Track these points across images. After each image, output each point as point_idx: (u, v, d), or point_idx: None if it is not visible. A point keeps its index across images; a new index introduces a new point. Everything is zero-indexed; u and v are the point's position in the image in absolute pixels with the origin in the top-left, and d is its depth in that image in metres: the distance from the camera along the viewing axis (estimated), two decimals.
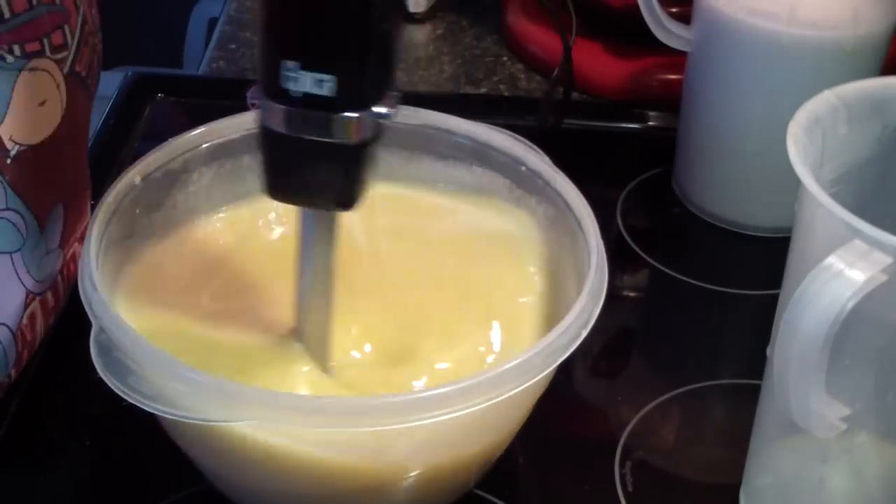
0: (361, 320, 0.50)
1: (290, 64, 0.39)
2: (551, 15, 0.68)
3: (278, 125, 0.40)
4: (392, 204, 0.54)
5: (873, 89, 0.44)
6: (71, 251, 0.52)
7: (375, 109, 0.40)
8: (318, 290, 0.46)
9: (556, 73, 0.69)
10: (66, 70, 0.48)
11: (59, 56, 0.47)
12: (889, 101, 0.44)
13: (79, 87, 0.49)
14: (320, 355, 0.47)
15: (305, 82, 0.39)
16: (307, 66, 0.39)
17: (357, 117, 0.40)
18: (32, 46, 0.46)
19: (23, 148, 0.46)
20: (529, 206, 0.53)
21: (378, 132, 0.41)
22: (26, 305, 0.49)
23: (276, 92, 0.39)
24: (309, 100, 0.39)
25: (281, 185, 0.43)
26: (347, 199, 0.43)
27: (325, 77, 0.39)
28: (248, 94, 0.41)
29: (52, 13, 0.46)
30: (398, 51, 0.40)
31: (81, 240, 0.52)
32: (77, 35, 0.48)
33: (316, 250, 0.45)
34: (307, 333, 0.47)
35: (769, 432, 0.47)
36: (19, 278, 0.48)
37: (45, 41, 0.46)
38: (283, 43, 0.39)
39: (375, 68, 0.40)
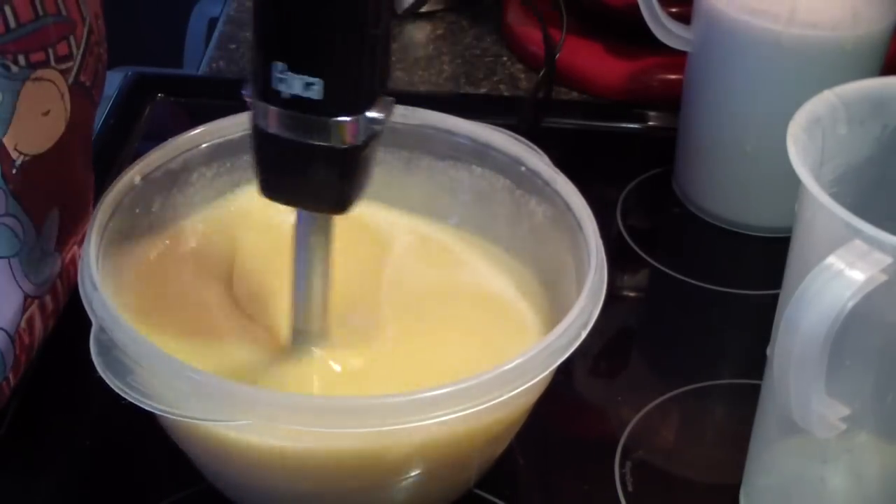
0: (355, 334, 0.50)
1: (280, 65, 0.39)
2: (535, 14, 0.68)
3: (269, 126, 0.40)
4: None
5: (873, 89, 0.44)
6: (70, 254, 0.52)
7: (367, 114, 0.40)
8: (315, 291, 0.46)
9: (541, 73, 0.69)
10: (70, 80, 0.48)
11: (63, 66, 0.47)
12: (889, 101, 0.44)
13: (83, 97, 0.49)
14: (317, 353, 0.47)
15: (294, 84, 0.39)
16: (295, 69, 0.38)
17: (347, 121, 0.40)
18: (37, 56, 0.46)
19: (27, 158, 0.46)
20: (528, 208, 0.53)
21: (371, 136, 0.41)
22: (24, 309, 0.49)
23: (267, 93, 0.39)
24: (298, 102, 0.39)
25: (274, 186, 0.43)
26: (341, 202, 0.42)
27: (313, 80, 0.38)
28: (242, 92, 0.41)
29: (57, 24, 0.46)
30: (389, 55, 0.40)
31: (81, 243, 0.52)
32: (82, 46, 0.48)
33: (311, 251, 0.45)
34: (304, 333, 0.47)
35: (769, 432, 0.47)
36: (17, 283, 0.48)
37: (51, 51, 0.46)
38: (272, 44, 0.39)
39: (365, 73, 0.40)
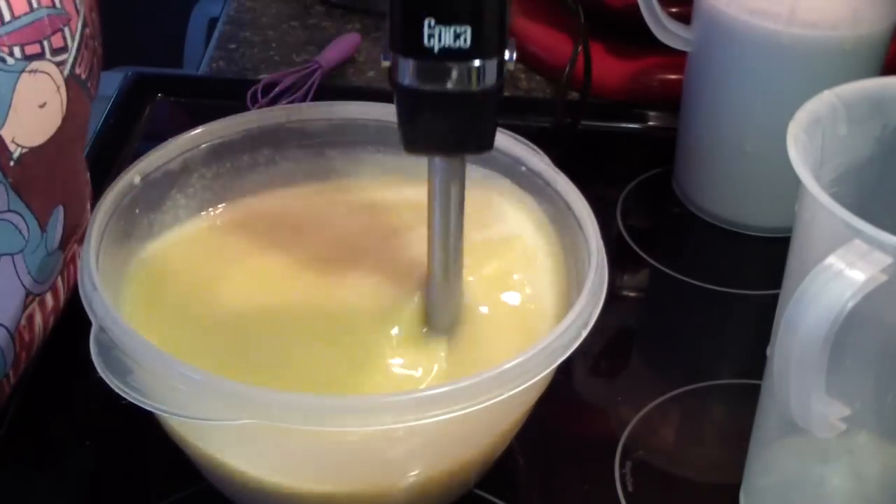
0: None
1: (430, 20, 0.40)
2: (573, 15, 0.68)
3: (419, 82, 0.42)
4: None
5: (873, 89, 0.44)
6: (70, 252, 0.52)
7: (505, 56, 0.43)
8: (452, 241, 0.47)
9: (566, 73, 0.69)
10: (66, 72, 0.48)
11: (59, 58, 0.47)
12: (889, 101, 0.44)
13: (79, 90, 0.49)
14: (444, 310, 0.48)
15: (445, 36, 0.41)
16: (444, 21, 0.40)
17: (493, 63, 0.42)
18: (33, 49, 0.46)
19: (25, 150, 0.46)
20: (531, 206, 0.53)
21: (504, 77, 0.43)
22: (25, 306, 0.49)
23: (417, 49, 0.41)
24: (448, 53, 0.41)
25: (421, 139, 0.45)
26: (488, 141, 0.45)
27: (462, 29, 0.41)
28: (383, 58, 0.43)
29: (52, 16, 0.46)
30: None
31: (81, 240, 0.52)
32: (77, 38, 0.48)
33: (448, 201, 0.46)
34: (435, 288, 0.48)
35: (769, 432, 0.47)
36: (20, 279, 0.48)
37: (46, 43, 0.46)
38: (421, 1, 0.41)
39: (503, 16, 0.42)
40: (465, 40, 0.41)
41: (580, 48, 0.69)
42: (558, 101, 0.71)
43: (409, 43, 0.41)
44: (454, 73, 0.41)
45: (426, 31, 0.41)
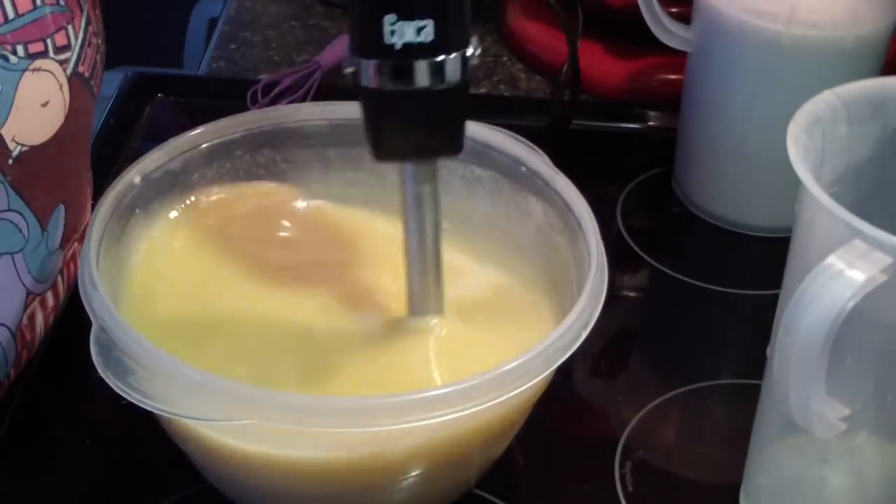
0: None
1: (391, 17, 0.40)
2: (560, 14, 0.68)
3: (383, 83, 0.42)
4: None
5: (873, 89, 0.44)
6: (71, 251, 0.52)
7: (469, 49, 0.42)
8: (428, 245, 0.47)
9: (563, 72, 0.69)
10: (69, 71, 0.48)
11: (62, 57, 0.47)
12: (889, 101, 0.44)
13: (82, 88, 0.49)
14: (425, 310, 0.48)
15: (407, 32, 0.40)
16: (406, 16, 0.40)
17: (457, 58, 0.42)
18: (36, 47, 0.46)
19: (25, 149, 0.46)
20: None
21: (469, 72, 0.43)
22: (26, 306, 0.49)
23: (379, 49, 0.41)
24: (411, 50, 0.41)
25: (389, 144, 0.44)
26: (457, 142, 0.44)
27: (424, 23, 0.40)
28: (343, 64, 0.42)
29: (55, 14, 0.46)
30: None
31: (81, 239, 0.52)
32: (81, 36, 0.48)
33: (423, 206, 0.46)
34: (415, 290, 0.48)
35: (769, 432, 0.47)
36: (20, 279, 0.48)
37: (49, 42, 0.46)
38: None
39: (465, 8, 0.42)
40: (428, 35, 0.40)
41: (577, 48, 0.68)
42: (552, 100, 0.70)
43: (370, 42, 0.41)
44: (419, 71, 0.41)
45: (387, 27, 0.40)
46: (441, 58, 0.41)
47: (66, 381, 0.54)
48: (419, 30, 0.40)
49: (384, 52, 0.41)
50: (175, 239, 0.53)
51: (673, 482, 0.53)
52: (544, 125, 0.70)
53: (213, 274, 0.52)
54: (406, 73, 0.41)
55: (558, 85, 0.69)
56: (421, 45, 0.41)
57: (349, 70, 0.42)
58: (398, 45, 0.41)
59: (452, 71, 0.42)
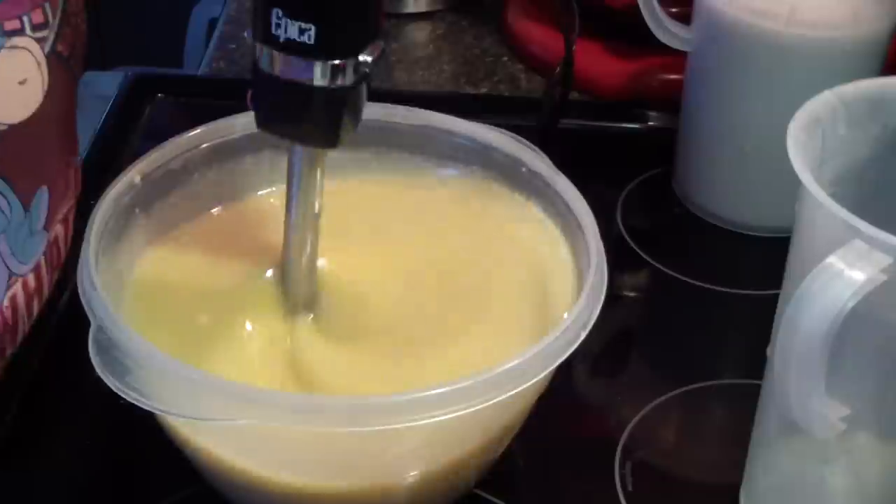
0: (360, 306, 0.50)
1: (279, 11, 0.42)
2: (555, 14, 0.68)
3: (267, 67, 0.44)
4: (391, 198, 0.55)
5: (873, 89, 0.44)
6: (54, 233, 0.52)
7: (359, 58, 0.43)
8: (305, 227, 0.48)
9: (556, 72, 0.69)
10: (47, 49, 0.47)
11: (39, 35, 0.47)
12: (889, 101, 0.44)
13: (61, 67, 0.49)
14: (300, 293, 0.49)
15: (290, 30, 0.42)
16: (291, 15, 0.41)
17: (337, 64, 0.42)
18: (12, 25, 0.45)
19: (4, 127, 0.46)
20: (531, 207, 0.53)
21: (361, 79, 0.43)
22: (8, 287, 0.49)
23: (267, 36, 0.42)
24: (294, 45, 0.42)
25: (271, 121, 0.46)
26: (330, 139, 0.45)
27: (308, 26, 0.41)
28: (245, 34, 0.44)
29: None
30: (382, 3, 0.45)
31: (64, 222, 0.51)
32: (59, 14, 0.48)
33: (303, 184, 0.47)
34: (290, 272, 0.49)
35: (769, 432, 0.47)
36: (3, 260, 0.48)
37: (25, 19, 0.46)
38: None
39: (355, 21, 0.43)
40: (310, 38, 0.41)
41: (573, 47, 0.68)
42: (545, 99, 0.70)
43: (259, 27, 0.43)
44: (294, 66, 0.43)
45: (274, 20, 0.42)
46: (321, 62, 0.42)
47: (66, 382, 0.54)
48: (302, 31, 0.41)
49: (268, 39, 0.42)
50: (175, 239, 0.53)
51: (673, 482, 0.53)
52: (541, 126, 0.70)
53: (213, 274, 0.52)
54: (284, 65, 0.43)
55: (550, 84, 0.69)
56: (302, 44, 0.42)
57: (248, 41, 0.44)
58: (281, 39, 0.42)
59: (328, 76, 0.43)
